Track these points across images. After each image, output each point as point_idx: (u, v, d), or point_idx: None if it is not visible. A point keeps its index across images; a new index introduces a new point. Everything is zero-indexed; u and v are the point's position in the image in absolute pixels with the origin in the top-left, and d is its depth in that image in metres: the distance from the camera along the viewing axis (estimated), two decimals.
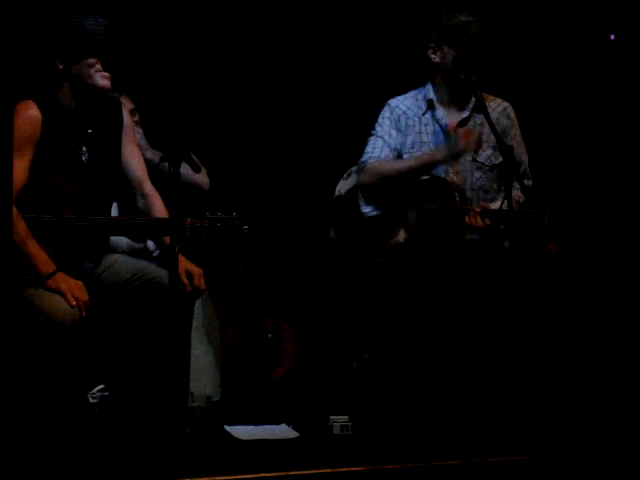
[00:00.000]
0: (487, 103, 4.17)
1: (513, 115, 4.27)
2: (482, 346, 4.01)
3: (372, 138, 4.25)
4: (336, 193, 4.38)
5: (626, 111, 5.07)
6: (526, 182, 4.17)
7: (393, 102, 4.28)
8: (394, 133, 4.22)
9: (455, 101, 4.20)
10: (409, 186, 4.16)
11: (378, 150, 4.21)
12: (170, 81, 4.78)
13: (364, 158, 4.23)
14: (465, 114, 4.19)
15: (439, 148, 4.14)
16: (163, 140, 4.31)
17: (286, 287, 5.03)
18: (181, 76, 4.83)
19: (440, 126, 4.21)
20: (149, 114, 4.52)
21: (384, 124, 4.24)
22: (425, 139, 4.21)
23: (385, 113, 4.27)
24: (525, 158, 4.27)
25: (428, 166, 4.12)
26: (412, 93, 4.29)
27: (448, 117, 4.21)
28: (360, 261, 4.28)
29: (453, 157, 4.11)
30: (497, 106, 4.25)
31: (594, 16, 5.16)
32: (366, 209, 4.25)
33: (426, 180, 4.15)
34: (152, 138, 4.48)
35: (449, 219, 4.07)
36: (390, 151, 4.21)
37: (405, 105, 4.26)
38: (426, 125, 4.22)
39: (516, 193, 4.05)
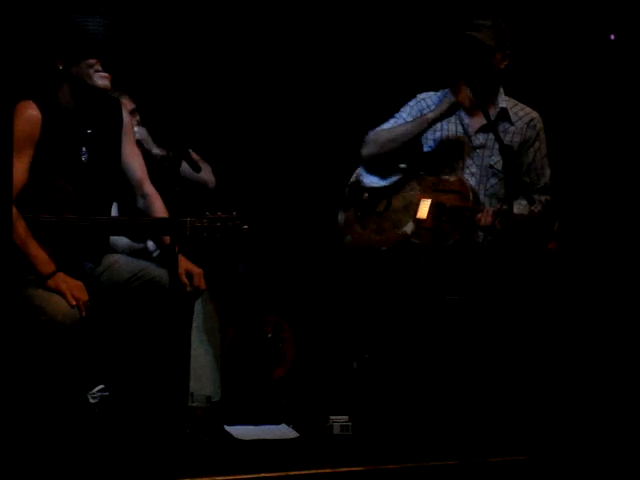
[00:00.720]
0: (514, 111, 4.19)
1: (540, 126, 4.24)
2: (482, 346, 4.01)
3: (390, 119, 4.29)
4: (352, 179, 4.37)
5: (626, 111, 5.07)
6: (544, 197, 4.18)
7: (421, 95, 4.31)
8: (409, 119, 4.23)
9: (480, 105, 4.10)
10: (413, 156, 4.18)
11: (385, 126, 4.24)
12: (170, 81, 4.78)
13: (368, 133, 4.25)
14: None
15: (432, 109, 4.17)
16: (163, 140, 4.32)
17: (286, 287, 5.03)
18: (181, 76, 4.83)
19: (463, 126, 4.20)
20: (150, 114, 4.52)
21: (404, 110, 4.28)
22: (450, 136, 4.21)
23: (410, 102, 4.30)
24: (547, 172, 4.24)
25: (424, 125, 4.14)
26: (442, 92, 4.29)
27: (471, 119, 4.20)
28: (362, 248, 4.28)
29: (447, 112, 4.11)
30: (525, 115, 4.24)
31: (594, 16, 5.16)
32: (367, 180, 4.24)
33: (445, 177, 4.16)
34: (152, 138, 4.47)
35: (460, 216, 4.06)
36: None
37: (432, 100, 4.26)
38: (448, 122, 4.21)
39: (522, 209, 4.04)
